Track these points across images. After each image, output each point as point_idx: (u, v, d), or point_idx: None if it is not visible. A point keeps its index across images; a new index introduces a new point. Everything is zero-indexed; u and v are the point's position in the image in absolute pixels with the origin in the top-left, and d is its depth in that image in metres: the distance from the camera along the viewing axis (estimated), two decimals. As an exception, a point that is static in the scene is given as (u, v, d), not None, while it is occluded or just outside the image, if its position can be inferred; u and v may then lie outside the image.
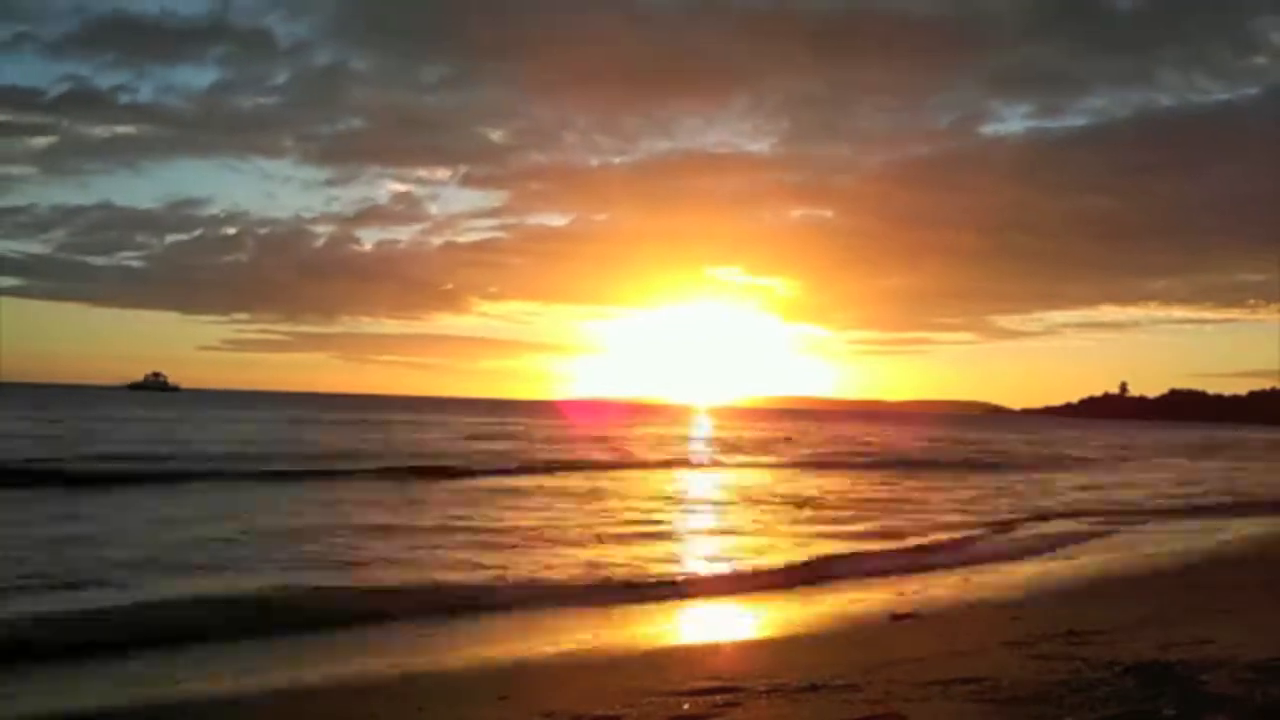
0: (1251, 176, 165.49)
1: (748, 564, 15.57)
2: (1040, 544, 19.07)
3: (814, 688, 7.39)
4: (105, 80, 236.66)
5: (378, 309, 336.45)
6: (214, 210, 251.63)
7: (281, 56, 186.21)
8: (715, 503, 26.67)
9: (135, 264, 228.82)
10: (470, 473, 32.58)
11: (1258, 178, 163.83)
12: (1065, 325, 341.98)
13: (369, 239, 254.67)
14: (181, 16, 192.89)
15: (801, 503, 25.84)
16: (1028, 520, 23.38)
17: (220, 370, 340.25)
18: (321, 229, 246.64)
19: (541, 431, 66.78)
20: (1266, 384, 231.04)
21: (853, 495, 28.64)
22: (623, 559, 15.46)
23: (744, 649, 10.03)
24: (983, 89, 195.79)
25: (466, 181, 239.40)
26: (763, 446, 58.61)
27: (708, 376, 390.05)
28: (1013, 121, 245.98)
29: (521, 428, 71.69)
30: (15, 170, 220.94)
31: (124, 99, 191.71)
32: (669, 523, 21.03)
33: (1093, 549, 18.55)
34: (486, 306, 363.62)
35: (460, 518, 20.21)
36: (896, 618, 11.22)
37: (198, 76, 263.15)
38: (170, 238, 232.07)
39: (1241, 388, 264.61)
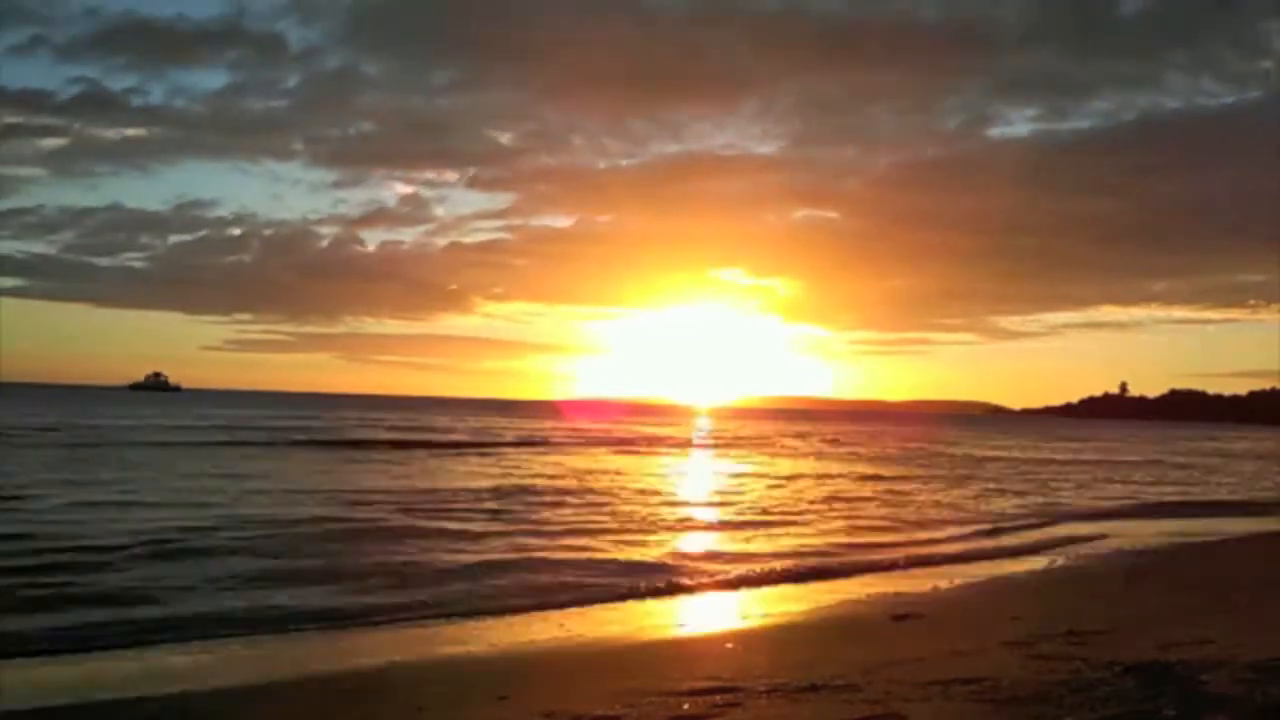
0: (1253, 178, 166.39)
1: (748, 562, 15.57)
2: (1040, 543, 19.05)
3: (814, 688, 7.39)
4: (117, 83, 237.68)
5: (381, 309, 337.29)
6: (221, 212, 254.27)
7: (293, 60, 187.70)
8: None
9: (139, 264, 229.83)
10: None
11: (1259, 179, 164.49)
12: (1066, 326, 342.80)
13: (374, 240, 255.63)
14: (195, 20, 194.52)
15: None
16: (1044, 521, 23.38)
17: (222, 370, 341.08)
18: (327, 230, 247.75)
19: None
20: (1266, 384, 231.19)
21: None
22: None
23: (744, 649, 10.01)
24: (990, 92, 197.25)
25: (474, 184, 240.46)
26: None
27: (709, 377, 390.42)
28: (1019, 124, 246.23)
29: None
30: (24, 172, 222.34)
31: (136, 101, 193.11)
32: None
33: (1092, 549, 18.52)
34: (490, 307, 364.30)
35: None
36: (896, 618, 11.22)
37: (209, 79, 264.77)
38: (174, 238, 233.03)
39: (1241, 388, 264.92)
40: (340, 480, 28.06)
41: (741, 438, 70.50)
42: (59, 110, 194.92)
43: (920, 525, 21.67)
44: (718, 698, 7.27)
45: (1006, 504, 27.38)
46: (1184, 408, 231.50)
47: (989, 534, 20.67)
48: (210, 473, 28.56)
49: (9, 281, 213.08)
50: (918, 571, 15.40)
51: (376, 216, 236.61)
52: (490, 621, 11.29)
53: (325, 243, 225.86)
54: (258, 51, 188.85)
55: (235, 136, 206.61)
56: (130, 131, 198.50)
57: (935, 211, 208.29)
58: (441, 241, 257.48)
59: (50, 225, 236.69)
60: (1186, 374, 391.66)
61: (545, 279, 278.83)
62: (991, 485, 33.91)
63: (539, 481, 29.44)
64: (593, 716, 6.88)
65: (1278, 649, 7.74)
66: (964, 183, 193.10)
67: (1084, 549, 18.45)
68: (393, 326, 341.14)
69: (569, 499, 24.61)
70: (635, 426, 78.18)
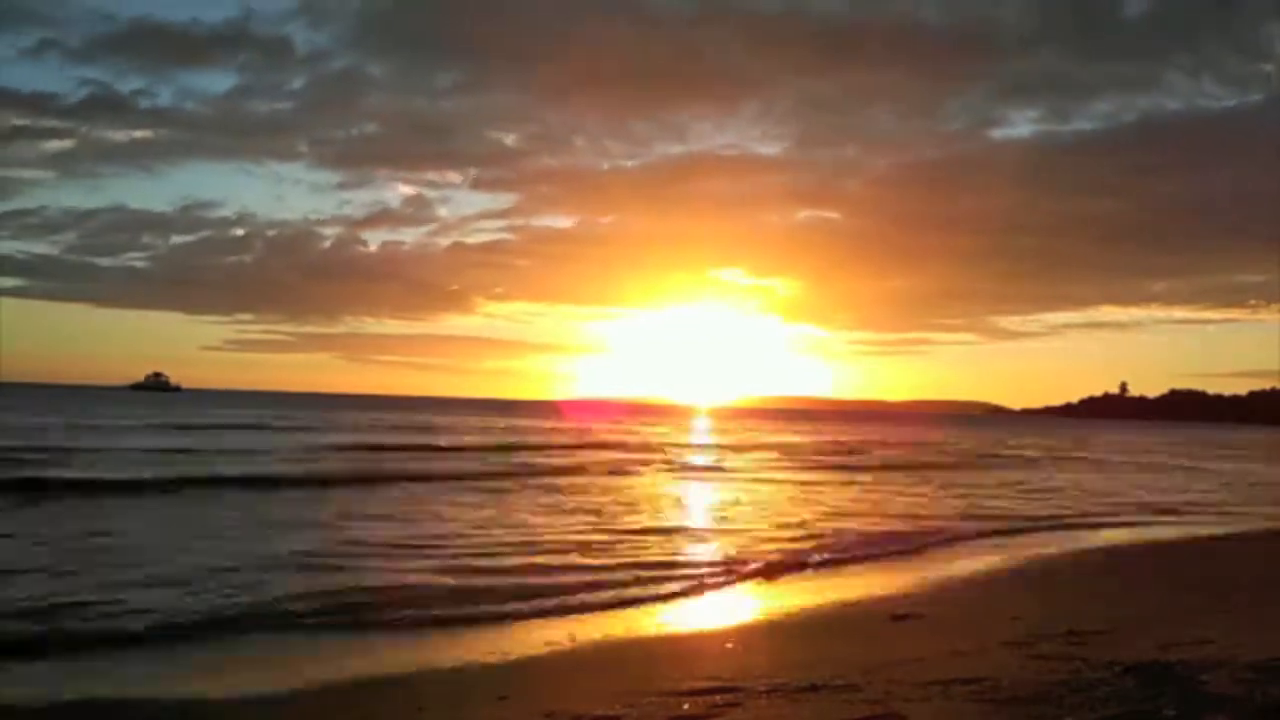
0: (1253, 179, 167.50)
1: (749, 560, 15.56)
2: (1040, 544, 19.04)
3: (814, 688, 7.39)
4: (125, 85, 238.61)
5: (382, 310, 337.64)
6: (224, 212, 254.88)
7: (300, 63, 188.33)
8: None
9: (140, 265, 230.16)
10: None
11: (1259, 180, 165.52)
12: (1066, 326, 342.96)
13: (376, 240, 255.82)
14: (205, 24, 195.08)
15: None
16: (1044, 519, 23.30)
17: (222, 370, 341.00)
18: (330, 231, 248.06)
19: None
20: (1266, 384, 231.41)
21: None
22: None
23: (744, 649, 10.02)
24: (992, 94, 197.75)
25: (477, 184, 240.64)
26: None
27: (709, 377, 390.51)
28: (1021, 126, 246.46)
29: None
30: (30, 174, 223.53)
31: (144, 104, 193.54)
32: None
33: (1091, 549, 18.51)
34: (491, 307, 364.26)
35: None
36: (896, 618, 11.22)
37: (217, 82, 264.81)
38: (176, 239, 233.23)
39: (1241, 388, 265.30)
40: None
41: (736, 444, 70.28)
42: (66, 112, 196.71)
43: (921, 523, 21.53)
44: (718, 698, 7.27)
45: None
46: (1184, 408, 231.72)
47: (990, 532, 20.44)
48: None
49: (9, 282, 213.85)
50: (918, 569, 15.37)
51: (379, 217, 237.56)
52: (490, 621, 11.28)
53: (327, 243, 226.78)
54: (265, 54, 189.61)
55: (240, 138, 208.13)
56: (136, 133, 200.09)
57: (936, 212, 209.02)
58: (444, 242, 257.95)
59: (53, 226, 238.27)
60: (1187, 374, 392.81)
61: (546, 279, 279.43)
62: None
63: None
64: (593, 716, 6.88)
65: (1278, 649, 7.75)
66: (965, 183, 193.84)
67: (1083, 549, 18.43)
68: (393, 326, 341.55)
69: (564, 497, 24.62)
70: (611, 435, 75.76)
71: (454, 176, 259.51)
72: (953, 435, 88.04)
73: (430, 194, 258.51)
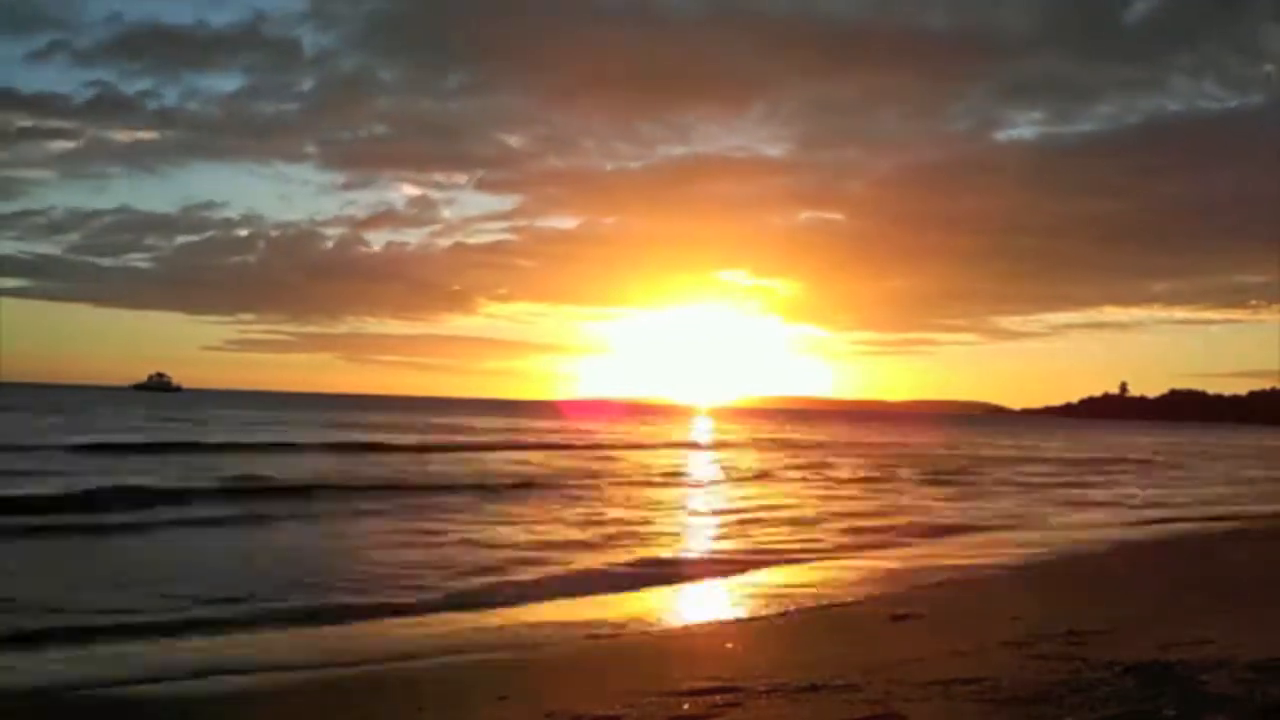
0: (1254, 180, 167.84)
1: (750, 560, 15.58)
2: (1039, 543, 19.03)
3: (814, 688, 7.39)
4: (132, 86, 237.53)
5: (384, 310, 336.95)
6: (229, 213, 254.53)
7: (308, 64, 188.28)
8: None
9: (143, 265, 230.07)
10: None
11: (1260, 181, 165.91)
12: (1067, 326, 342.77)
13: (380, 241, 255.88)
14: (214, 27, 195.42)
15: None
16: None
17: (223, 370, 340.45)
18: (333, 231, 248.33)
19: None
20: (1266, 384, 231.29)
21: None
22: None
23: (744, 649, 10.02)
24: (997, 96, 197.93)
25: (481, 185, 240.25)
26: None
27: (710, 377, 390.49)
28: (1024, 127, 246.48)
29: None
30: (35, 174, 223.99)
31: (151, 105, 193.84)
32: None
33: (1090, 549, 18.50)
34: (494, 308, 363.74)
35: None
36: (896, 618, 11.22)
37: (224, 83, 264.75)
38: (180, 239, 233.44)
39: (1242, 388, 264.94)
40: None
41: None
42: (73, 113, 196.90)
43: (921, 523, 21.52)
44: (718, 698, 7.27)
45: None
46: (1184, 408, 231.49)
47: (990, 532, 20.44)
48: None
49: (10, 282, 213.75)
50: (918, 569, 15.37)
51: (383, 218, 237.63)
52: (490, 621, 11.28)
53: (330, 243, 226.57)
54: (274, 56, 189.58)
55: (247, 139, 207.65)
56: (142, 134, 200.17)
57: (938, 212, 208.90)
58: (446, 242, 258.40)
59: (57, 227, 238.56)
60: (1187, 374, 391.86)
61: (549, 279, 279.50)
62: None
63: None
64: (593, 716, 6.88)
65: (1278, 649, 7.74)
66: (968, 184, 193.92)
67: (1082, 548, 18.42)
68: (395, 327, 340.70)
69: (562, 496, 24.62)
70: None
71: (460, 178, 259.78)
72: (953, 438, 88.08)
73: (435, 195, 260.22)
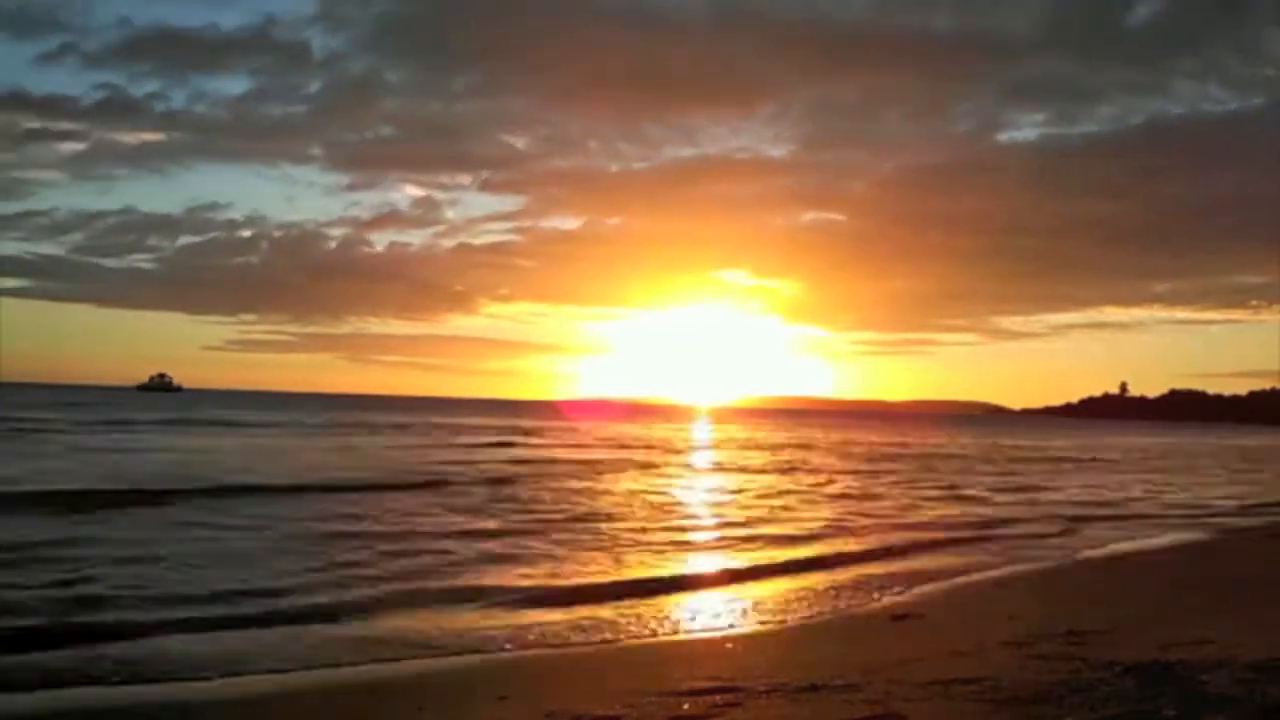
0: (1255, 181, 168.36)
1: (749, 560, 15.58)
2: (1038, 543, 19.03)
3: (814, 688, 7.39)
4: (140, 88, 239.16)
5: (386, 310, 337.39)
6: (233, 214, 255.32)
7: (316, 67, 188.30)
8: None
9: (145, 265, 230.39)
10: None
11: (1261, 183, 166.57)
12: (1068, 326, 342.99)
13: (383, 242, 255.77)
14: (224, 30, 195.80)
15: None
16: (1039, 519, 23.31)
17: (223, 370, 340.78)
18: (337, 232, 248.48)
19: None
20: (1266, 384, 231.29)
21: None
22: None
23: (744, 649, 10.02)
24: (1000, 99, 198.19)
25: (485, 186, 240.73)
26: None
27: (710, 377, 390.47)
28: (1028, 129, 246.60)
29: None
30: (43, 175, 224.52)
31: (159, 107, 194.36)
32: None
33: (1089, 549, 18.49)
34: (495, 308, 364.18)
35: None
36: (896, 618, 11.23)
37: (232, 85, 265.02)
38: (183, 240, 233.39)
39: (1242, 388, 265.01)
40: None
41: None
42: (81, 115, 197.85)
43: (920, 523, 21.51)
44: (718, 698, 7.28)
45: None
46: (1184, 408, 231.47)
47: (989, 533, 20.43)
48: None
49: (12, 283, 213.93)
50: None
51: (387, 219, 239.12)
52: (490, 621, 11.28)
53: (333, 244, 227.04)
54: (283, 59, 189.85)
55: (253, 141, 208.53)
56: (149, 136, 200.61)
57: (940, 213, 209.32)
58: (449, 243, 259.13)
59: (62, 227, 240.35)
60: (1187, 374, 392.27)
61: (550, 280, 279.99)
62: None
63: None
64: (593, 716, 6.88)
65: (1278, 649, 7.75)
66: (969, 185, 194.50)
67: (1082, 549, 18.40)
68: (397, 327, 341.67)
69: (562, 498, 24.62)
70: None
71: (464, 179, 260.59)
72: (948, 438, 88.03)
73: (439, 196, 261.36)
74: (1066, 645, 8.70)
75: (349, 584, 12.71)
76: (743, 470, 38.22)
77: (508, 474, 31.42)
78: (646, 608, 12.18)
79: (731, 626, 11.24)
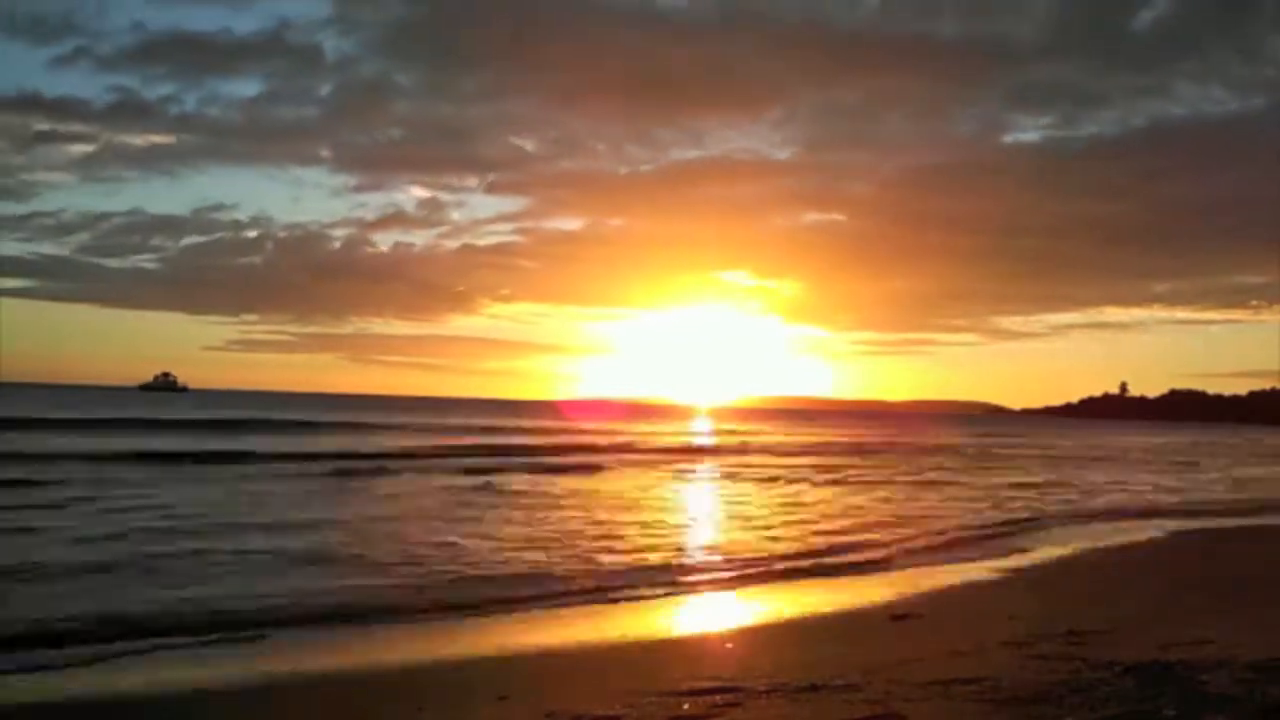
0: (1256, 182, 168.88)
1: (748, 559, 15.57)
2: (1038, 544, 19.02)
3: (814, 688, 7.40)
4: (153, 91, 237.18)
5: (388, 310, 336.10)
6: (239, 215, 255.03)
7: (328, 70, 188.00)
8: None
9: (149, 266, 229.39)
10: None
11: (1262, 183, 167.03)
12: (1069, 326, 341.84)
13: (387, 243, 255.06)
14: (238, 34, 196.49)
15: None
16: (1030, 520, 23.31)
17: (225, 370, 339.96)
18: (340, 232, 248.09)
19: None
20: (1266, 384, 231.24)
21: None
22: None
23: (744, 649, 10.03)
24: (1004, 103, 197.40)
25: (492, 188, 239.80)
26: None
27: (711, 377, 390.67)
28: (1031, 131, 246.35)
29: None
30: (52, 177, 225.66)
31: (172, 110, 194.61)
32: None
33: (1089, 549, 18.49)
34: (497, 308, 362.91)
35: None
36: (896, 618, 11.23)
37: (244, 88, 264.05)
38: (186, 240, 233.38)
39: (1242, 388, 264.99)
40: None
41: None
42: (93, 117, 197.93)
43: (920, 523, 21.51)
44: (718, 698, 7.28)
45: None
46: (1184, 408, 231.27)
47: (989, 532, 20.44)
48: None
49: (14, 283, 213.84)
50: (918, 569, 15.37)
51: (392, 220, 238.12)
52: (490, 621, 11.29)
53: (337, 244, 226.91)
54: (296, 62, 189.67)
55: (263, 143, 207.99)
56: (159, 138, 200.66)
57: (941, 214, 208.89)
58: (453, 244, 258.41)
59: (67, 228, 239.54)
60: (1187, 374, 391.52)
61: (552, 280, 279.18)
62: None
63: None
64: (593, 716, 6.88)
65: (1278, 649, 7.75)
66: (972, 186, 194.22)
67: (1081, 548, 18.41)
68: (399, 327, 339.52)
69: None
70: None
71: (471, 180, 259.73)
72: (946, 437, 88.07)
73: (445, 197, 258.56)
74: (1066, 645, 8.70)
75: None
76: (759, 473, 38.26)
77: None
78: (646, 607, 12.21)
79: (731, 626, 11.25)
